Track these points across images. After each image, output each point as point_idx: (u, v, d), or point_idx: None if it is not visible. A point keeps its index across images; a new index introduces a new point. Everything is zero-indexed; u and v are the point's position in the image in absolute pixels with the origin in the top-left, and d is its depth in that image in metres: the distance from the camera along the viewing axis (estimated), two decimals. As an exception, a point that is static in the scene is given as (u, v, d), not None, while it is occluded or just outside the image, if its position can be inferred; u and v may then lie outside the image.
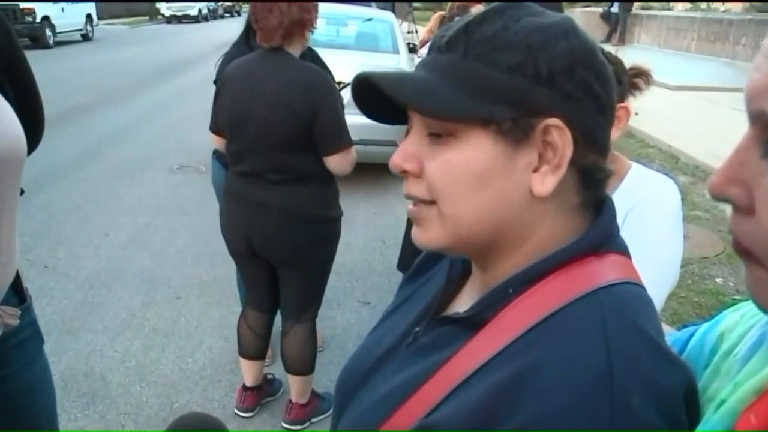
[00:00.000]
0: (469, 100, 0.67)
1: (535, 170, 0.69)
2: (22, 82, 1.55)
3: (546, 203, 0.70)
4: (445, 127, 0.69)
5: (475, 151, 0.68)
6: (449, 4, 4.13)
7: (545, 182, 0.68)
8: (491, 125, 0.68)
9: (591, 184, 0.72)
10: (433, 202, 0.72)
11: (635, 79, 1.54)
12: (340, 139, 2.39)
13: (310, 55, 3.08)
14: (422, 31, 4.59)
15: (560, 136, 0.67)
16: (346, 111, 3.08)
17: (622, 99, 1.48)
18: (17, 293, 1.48)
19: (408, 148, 0.73)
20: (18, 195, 1.35)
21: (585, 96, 0.68)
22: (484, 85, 0.67)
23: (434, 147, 0.71)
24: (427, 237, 0.74)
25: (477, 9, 3.88)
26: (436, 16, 4.33)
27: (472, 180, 0.69)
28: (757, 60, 0.52)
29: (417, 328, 0.82)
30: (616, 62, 1.46)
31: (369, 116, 0.78)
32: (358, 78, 0.72)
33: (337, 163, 2.42)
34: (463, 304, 0.80)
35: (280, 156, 2.38)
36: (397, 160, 0.73)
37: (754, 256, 0.54)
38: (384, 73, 0.71)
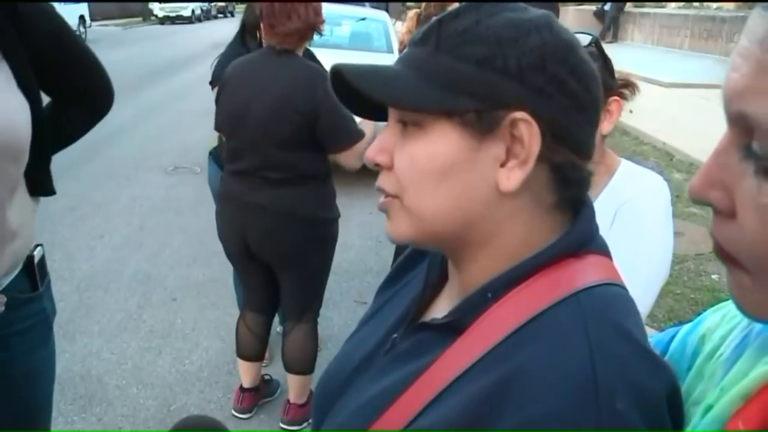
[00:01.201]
0: (435, 92, 0.67)
1: (503, 165, 0.68)
2: (63, 61, 1.51)
3: (516, 200, 0.69)
4: (413, 117, 0.69)
5: (439, 143, 0.68)
6: (424, 3, 4.07)
7: (511, 177, 0.67)
8: (455, 117, 0.67)
9: (565, 183, 0.70)
10: (397, 196, 0.71)
11: (622, 90, 1.53)
12: (348, 135, 2.40)
13: (308, 56, 3.08)
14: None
15: (528, 131, 0.66)
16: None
17: (613, 92, 1.46)
18: (30, 280, 1.49)
19: (382, 141, 0.73)
20: (5, 188, 1.34)
21: (558, 92, 0.67)
22: (452, 78, 0.67)
23: (404, 140, 0.71)
24: (395, 230, 0.73)
25: (453, 7, 3.87)
26: (412, 14, 4.22)
27: (435, 172, 0.68)
28: (733, 60, 0.51)
29: (395, 335, 0.81)
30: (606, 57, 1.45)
31: (354, 111, 0.79)
32: (331, 71, 0.72)
33: (348, 158, 2.44)
34: (441, 309, 0.79)
35: (281, 153, 2.38)
36: (371, 152, 0.73)
37: (736, 261, 0.53)
38: (353, 65, 0.71)
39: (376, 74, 0.70)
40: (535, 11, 0.71)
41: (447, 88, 0.67)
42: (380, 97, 0.69)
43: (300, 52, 2.44)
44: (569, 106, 0.68)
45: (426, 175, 0.69)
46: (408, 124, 0.70)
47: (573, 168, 0.70)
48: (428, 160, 0.68)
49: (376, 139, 0.74)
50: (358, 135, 2.43)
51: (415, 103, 0.68)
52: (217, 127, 2.58)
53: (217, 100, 2.52)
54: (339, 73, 0.71)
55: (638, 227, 1.43)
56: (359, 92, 0.70)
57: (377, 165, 0.73)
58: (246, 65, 2.45)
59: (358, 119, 2.65)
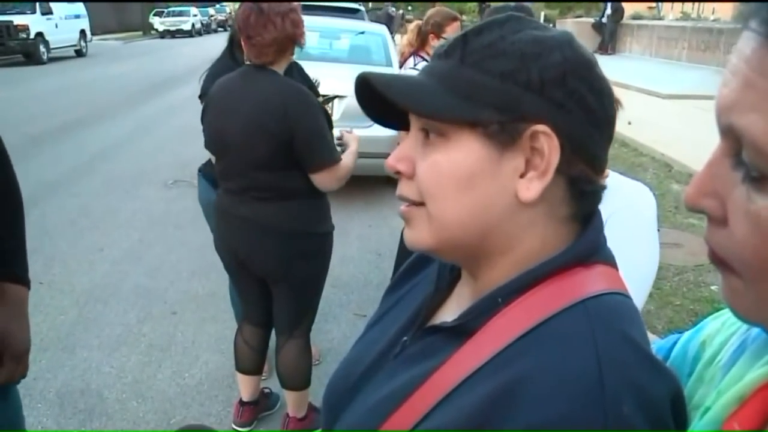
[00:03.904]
0: (459, 102, 0.69)
1: (522, 176, 0.70)
2: None
3: (533, 210, 0.71)
4: (437, 126, 0.71)
5: (462, 153, 0.70)
6: (427, 14, 4.10)
7: (531, 188, 0.69)
8: (478, 128, 0.69)
9: (580, 195, 0.73)
10: (422, 204, 0.73)
11: None
12: (323, 156, 2.36)
13: (297, 69, 3.09)
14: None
15: (548, 143, 0.68)
16: (340, 122, 3.08)
17: None
18: None
19: (403, 149, 0.75)
20: None
21: (577, 107, 0.69)
22: (476, 90, 0.69)
23: (426, 148, 0.72)
24: (414, 237, 0.75)
25: (452, 27, 3.87)
26: (413, 26, 4.24)
27: (458, 181, 0.70)
28: (725, 75, 0.54)
29: (404, 338, 0.82)
30: None
31: (372, 118, 0.80)
32: (358, 78, 0.75)
33: (322, 180, 2.40)
34: (450, 312, 0.80)
35: (261, 175, 2.37)
36: (392, 161, 0.75)
37: (728, 266, 0.56)
38: (379, 74, 0.74)
39: (403, 83, 0.73)
40: (557, 30, 0.74)
41: (470, 99, 0.69)
42: (406, 104, 0.71)
43: (280, 68, 2.40)
44: (587, 121, 0.70)
45: (448, 183, 0.71)
46: (431, 133, 0.72)
47: (588, 181, 0.72)
48: (450, 169, 0.70)
49: (398, 147, 0.76)
50: (335, 157, 2.40)
51: (440, 112, 0.70)
52: (206, 147, 2.57)
53: (203, 119, 2.52)
54: (365, 81, 0.73)
55: (625, 238, 1.47)
56: (381, 101, 0.73)
57: (397, 173, 0.75)
58: (226, 85, 2.44)
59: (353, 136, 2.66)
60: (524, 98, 0.68)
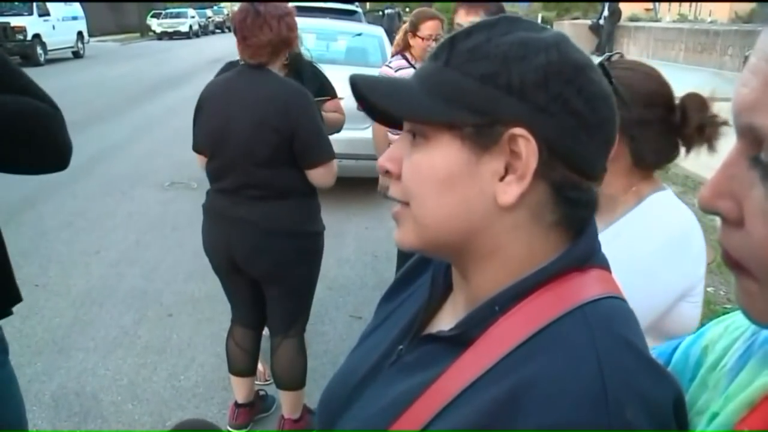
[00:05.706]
0: (438, 105, 0.69)
1: (502, 179, 0.69)
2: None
3: (515, 215, 0.70)
4: (420, 128, 0.72)
5: (440, 155, 0.70)
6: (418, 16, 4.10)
7: (508, 191, 0.68)
8: (456, 130, 0.69)
9: (567, 202, 0.71)
10: (407, 203, 0.73)
11: (707, 129, 1.36)
12: (322, 152, 2.42)
13: (311, 71, 3.12)
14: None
15: (525, 147, 0.67)
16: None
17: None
18: None
19: (394, 150, 0.76)
20: None
21: (562, 111, 0.67)
22: (455, 92, 0.69)
23: (412, 150, 0.73)
24: (400, 236, 0.76)
25: (426, 26, 3.84)
26: (404, 26, 4.30)
27: (436, 182, 0.70)
28: (744, 75, 0.53)
29: (400, 346, 0.81)
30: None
31: (373, 118, 0.80)
32: (350, 81, 0.75)
33: (320, 176, 2.45)
34: (446, 321, 0.80)
35: (260, 172, 2.39)
36: (382, 160, 0.76)
37: (744, 268, 0.55)
38: (367, 76, 0.74)
39: (386, 85, 0.76)
40: (552, 31, 0.72)
41: (449, 102, 0.69)
42: (385, 106, 0.72)
43: (276, 68, 2.44)
44: (574, 125, 0.68)
45: (427, 184, 0.71)
46: (416, 134, 0.72)
47: (574, 187, 0.70)
48: (429, 170, 0.71)
49: (389, 148, 0.77)
50: (331, 154, 2.45)
51: (418, 113, 0.71)
52: (196, 148, 2.55)
53: (195, 121, 2.52)
54: (352, 82, 0.74)
55: (618, 266, 1.35)
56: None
57: (387, 173, 0.76)
58: (222, 85, 2.46)
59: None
60: (503, 101, 0.67)
